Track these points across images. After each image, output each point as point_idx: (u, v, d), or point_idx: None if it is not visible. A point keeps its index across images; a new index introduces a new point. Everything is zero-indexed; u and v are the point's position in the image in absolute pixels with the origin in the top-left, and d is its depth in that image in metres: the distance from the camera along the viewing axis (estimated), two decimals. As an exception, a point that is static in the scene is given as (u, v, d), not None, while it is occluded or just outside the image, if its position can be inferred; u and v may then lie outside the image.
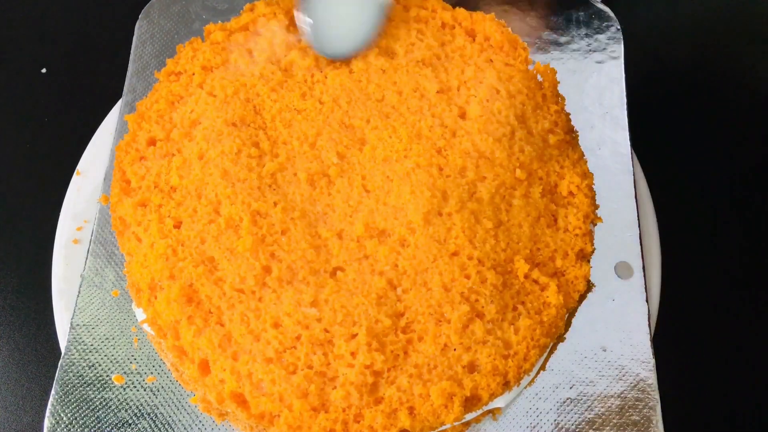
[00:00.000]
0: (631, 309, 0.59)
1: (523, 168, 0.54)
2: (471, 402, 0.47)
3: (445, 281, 0.49)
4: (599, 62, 0.71)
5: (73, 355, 0.56)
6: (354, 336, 0.47)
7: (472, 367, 0.48)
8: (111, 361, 0.56)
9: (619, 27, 0.72)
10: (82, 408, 0.54)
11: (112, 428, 0.54)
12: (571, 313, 0.53)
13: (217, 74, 0.59)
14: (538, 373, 0.56)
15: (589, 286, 0.54)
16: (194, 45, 0.61)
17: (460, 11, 0.63)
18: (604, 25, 0.72)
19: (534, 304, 0.50)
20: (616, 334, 0.58)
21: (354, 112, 0.57)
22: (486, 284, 0.49)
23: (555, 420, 0.55)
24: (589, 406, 0.55)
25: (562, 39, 0.72)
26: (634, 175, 0.65)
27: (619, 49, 0.71)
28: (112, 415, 0.54)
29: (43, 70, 0.86)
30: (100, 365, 0.56)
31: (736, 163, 0.81)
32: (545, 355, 0.52)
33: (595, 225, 0.55)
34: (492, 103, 0.57)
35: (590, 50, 0.72)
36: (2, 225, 0.76)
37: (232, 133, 0.55)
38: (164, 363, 0.56)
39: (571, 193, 0.55)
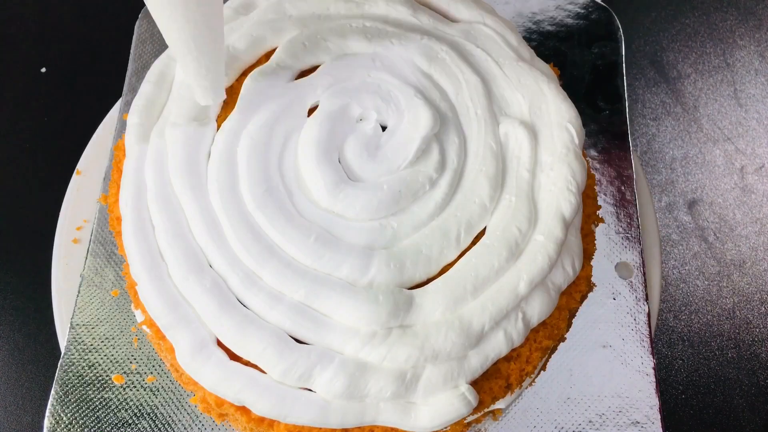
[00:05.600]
0: (632, 309, 0.59)
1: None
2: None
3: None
4: (599, 62, 0.71)
5: (72, 354, 0.56)
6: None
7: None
8: (111, 361, 0.56)
9: (619, 26, 0.72)
10: (81, 408, 0.54)
11: (112, 428, 0.54)
12: (572, 313, 0.53)
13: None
14: (538, 373, 0.56)
15: (590, 286, 0.54)
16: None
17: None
18: (604, 24, 0.72)
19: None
20: (616, 333, 0.58)
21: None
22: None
23: (555, 419, 0.55)
24: (589, 406, 0.55)
25: (563, 38, 0.72)
26: (634, 174, 0.65)
27: (620, 49, 0.71)
28: (112, 415, 0.54)
29: (43, 70, 0.86)
30: (99, 365, 0.56)
31: (736, 160, 0.81)
32: (546, 356, 0.52)
33: (596, 225, 0.55)
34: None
35: (591, 50, 0.71)
36: (2, 225, 0.76)
37: (232, 132, 0.55)
38: (164, 363, 0.56)
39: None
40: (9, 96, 0.84)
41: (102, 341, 0.57)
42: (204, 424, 0.54)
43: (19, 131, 0.82)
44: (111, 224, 0.54)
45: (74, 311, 0.58)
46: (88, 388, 0.55)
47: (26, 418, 0.67)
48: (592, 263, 0.53)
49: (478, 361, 0.46)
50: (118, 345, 0.57)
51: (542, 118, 0.53)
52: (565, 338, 0.55)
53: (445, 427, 0.46)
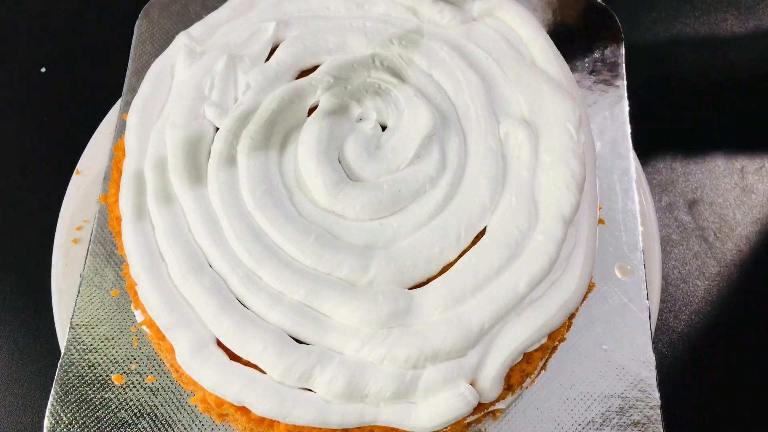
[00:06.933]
0: (632, 309, 0.59)
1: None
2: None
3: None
4: (600, 62, 0.71)
5: (72, 355, 0.56)
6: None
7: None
8: (110, 361, 0.56)
9: (620, 26, 0.72)
10: (81, 408, 0.54)
11: (112, 428, 0.53)
12: (572, 313, 0.53)
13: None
14: (539, 373, 0.55)
15: (590, 286, 0.53)
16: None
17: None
18: (605, 25, 0.72)
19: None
20: (616, 333, 0.58)
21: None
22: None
23: (555, 419, 0.55)
24: (589, 406, 0.55)
25: (564, 39, 0.72)
26: (634, 174, 0.65)
27: (620, 49, 0.71)
28: (112, 415, 0.54)
29: (43, 70, 0.86)
30: (99, 365, 0.56)
31: (736, 160, 0.81)
32: (546, 356, 0.52)
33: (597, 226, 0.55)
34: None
35: (591, 50, 0.71)
36: (2, 225, 0.76)
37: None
38: (164, 363, 0.56)
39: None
40: (9, 96, 0.84)
41: (102, 341, 0.57)
42: (204, 424, 0.54)
43: (19, 131, 0.82)
44: (111, 224, 0.54)
45: (74, 311, 0.58)
46: (88, 388, 0.55)
47: (26, 418, 0.67)
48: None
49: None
50: (118, 345, 0.57)
51: (542, 117, 0.53)
52: (565, 338, 0.55)
53: (445, 427, 0.46)
